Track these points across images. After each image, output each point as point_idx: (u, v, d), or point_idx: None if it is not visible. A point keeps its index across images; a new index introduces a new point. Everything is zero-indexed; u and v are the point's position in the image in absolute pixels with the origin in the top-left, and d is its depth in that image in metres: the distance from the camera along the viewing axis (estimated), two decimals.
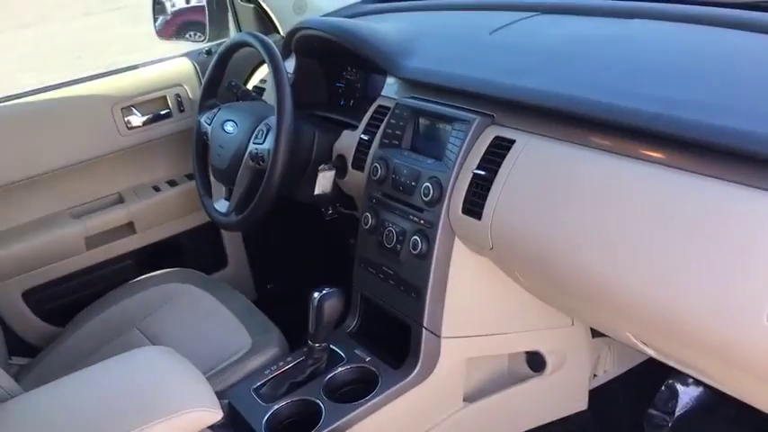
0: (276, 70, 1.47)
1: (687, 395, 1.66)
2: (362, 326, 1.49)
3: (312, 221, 1.81)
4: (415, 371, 1.33)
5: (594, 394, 1.58)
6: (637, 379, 1.65)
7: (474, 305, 1.35)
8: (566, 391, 1.53)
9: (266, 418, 1.29)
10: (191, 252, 2.00)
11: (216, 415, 1.10)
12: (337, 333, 1.47)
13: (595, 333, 1.48)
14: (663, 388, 1.65)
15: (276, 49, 1.49)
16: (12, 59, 8.74)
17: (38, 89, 1.80)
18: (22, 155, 1.75)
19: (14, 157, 1.74)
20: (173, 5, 2.13)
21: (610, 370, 1.63)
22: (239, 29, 1.99)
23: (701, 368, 1.06)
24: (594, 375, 1.61)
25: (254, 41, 1.52)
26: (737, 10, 1.22)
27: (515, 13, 1.55)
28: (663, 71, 1.13)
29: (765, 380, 0.90)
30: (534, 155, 1.16)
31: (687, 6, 1.30)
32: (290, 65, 1.81)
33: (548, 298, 1.30)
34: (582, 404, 1.57)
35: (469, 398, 1.43)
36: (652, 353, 1.14)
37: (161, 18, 2.14)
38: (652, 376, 1.64)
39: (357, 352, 1.41)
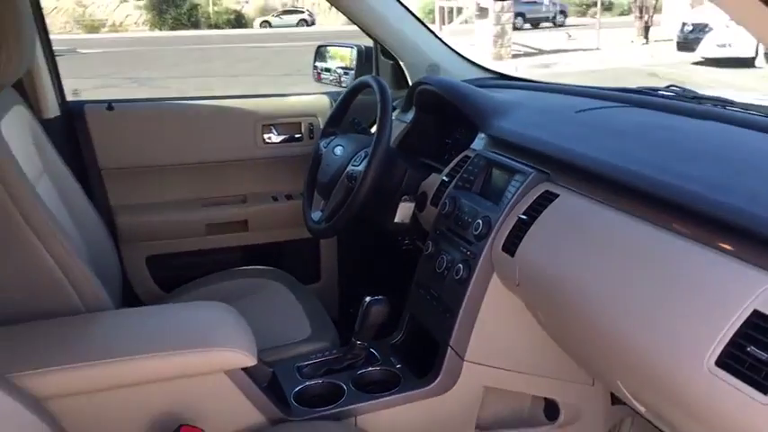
0: (383, 105, 1.71)
1: None
2: (405, 341, 1.66)
3: (407, 258, 2.00)
4: (434, 383, 1.48)
5: None
6: None
7: (500, 338, 1.48)
8: None
9: (297, 389, 1.49)
10: (290, 260, 2.27)
11: (249, 360, 1.32)
12: (382, 343, 1.65)
13: (615, 400, 1.55)
14: None
15: (388, 91, 1.74)
16: None
17: (204, 97, 2.19)
18: (177, 145, 2.13)
19: (171, 146, 2.12)
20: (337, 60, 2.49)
21: None
22: None
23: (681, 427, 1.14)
24: None
25: (372, 81, 1.79)
26: None
27: (611, 102, 1.72)
28: (706, 158, 1.25)
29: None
30: (569, 208, 1.31)
31: (759, 117, 1.42)
32: (410, 116, 2.08)
33: (565, 346, 1.41)
34: None
35: (482, 427, 1.54)
36: (642, 409, 1.22)
37: (322, 66, 2.52)
38: None
39: (392, 359, 1.58)
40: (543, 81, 2.19)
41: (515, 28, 22.48)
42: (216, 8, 38.09)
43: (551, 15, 26.01)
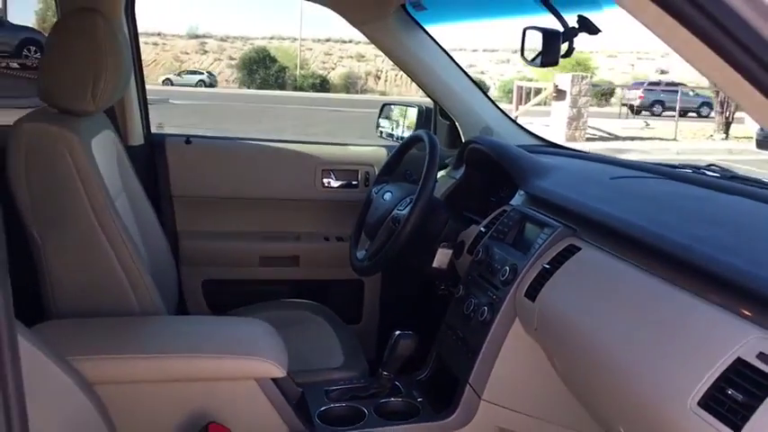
0: (431, 156, 1.84)
1: None
2: (430, 378, 1.74)
3: (442, 304, 2.09)
4: (450, 419, 1.56)
5: None
6: None
7: (518, 381, 1.56)
8: None
9: (322, 409, 1.59)
10: (335, 298, 2.39)
11: (278, 371, 1.44)
12: (408, 378, 1.74)
13: None
14: None
15: (437, 144, 1.88)
16: None
17: (272, 139, 2.38)
18: (243, 180, 2.32)
19: (238, 180, 2.31)
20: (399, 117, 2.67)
21: None
22: None
23: None
24: None
25: (424, 135, 1.93)
26: None
27: (648, 173, 1.81)
28: (721, 225, 1.33)
29: None
30: (588, 261, 1.40)
31: None
32: (459, 173, 2.21)
33: (576, 390, 1.47)
34: None
35: None
36: None
37: (384, 122, 2.70)
38: None
39: (414, 392, 1.67)
40: (590, 152, 2.29)
41: (654, 115, 22.28)
42: (302, 72, 39.72)
43: (695, 106, 24.68)
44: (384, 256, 1.86)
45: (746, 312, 1.03)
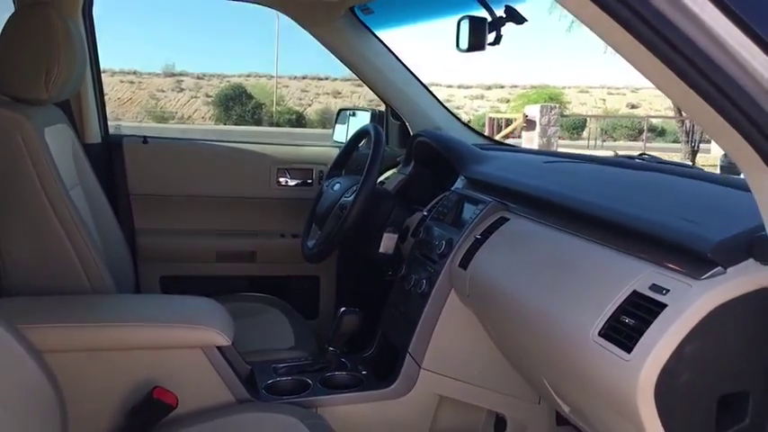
0: (376, 144, 1.93)
1: None
2: (376, 355, 1.81)
3: (389, 290, 2.16)
4: (391, 387, 1.62)
5: None
6: None
7: (456, 350, 1.63)
8: None
9: (269, 382, 1.65)
10: (291, 294, 2.44)
11: (224, 340, 1.50)
12: (356, 356, 1.80)
13: (561, 421, 1.65)
14: None
15: (382, 134, 1.97)
16: None
17: (228, 140, 2.46)
18: (200, 179, 2.39)
19: (195, 179, 2.38)
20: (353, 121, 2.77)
21: None
22: (387, 138, 2.53)
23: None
24: None
25: (370, 127, 2.03)
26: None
27: (581, 160, 1.92)
28: (625, 187, 1.45)
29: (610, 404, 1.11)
30: (514, 228, 1.50)
31: (684, 168, 1.61)
32: (409, 169, 2.29)
33: (507, 352, 1.55)
34: None
35: None
36: (566, 408, 1.34)
37: (340, 127, 2.79)
38: None
39: (359, 367, 1.73)
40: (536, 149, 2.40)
41: None
42: (279, 108, 39.88)
43: None
44: (331, 241, 1.94)
45: (642, 253, 1.12)
